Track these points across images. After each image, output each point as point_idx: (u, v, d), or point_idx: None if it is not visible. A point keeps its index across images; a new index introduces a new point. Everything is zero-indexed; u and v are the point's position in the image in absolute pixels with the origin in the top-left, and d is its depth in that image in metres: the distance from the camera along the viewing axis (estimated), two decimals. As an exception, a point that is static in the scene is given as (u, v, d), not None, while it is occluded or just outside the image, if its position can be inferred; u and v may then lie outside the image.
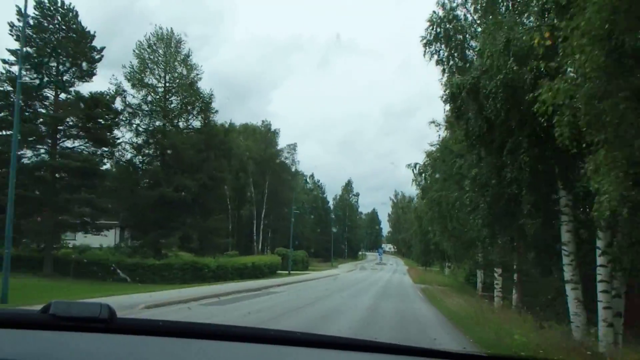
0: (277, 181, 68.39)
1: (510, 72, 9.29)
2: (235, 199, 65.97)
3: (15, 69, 27.20)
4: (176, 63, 36.69)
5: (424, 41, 16.31)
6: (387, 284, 36.86)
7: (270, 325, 10.61)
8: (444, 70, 16.31)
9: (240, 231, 67.74)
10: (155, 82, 36.18)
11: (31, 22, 27.91)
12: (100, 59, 31.06)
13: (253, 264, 38.31)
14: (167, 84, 36.50)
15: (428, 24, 16.16)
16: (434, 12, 16.30)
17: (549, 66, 7.95)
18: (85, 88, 32.31)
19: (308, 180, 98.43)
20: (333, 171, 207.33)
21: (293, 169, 71.89)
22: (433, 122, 23.58)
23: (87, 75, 30.54)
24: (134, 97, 35.68)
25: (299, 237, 77.31)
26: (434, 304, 20.74)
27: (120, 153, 34.81)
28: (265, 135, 70.90)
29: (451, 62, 16.19)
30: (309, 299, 20.01)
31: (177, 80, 36.68)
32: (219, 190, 36.79)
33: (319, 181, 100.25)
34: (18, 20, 27.49)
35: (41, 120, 29.42)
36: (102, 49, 30.92)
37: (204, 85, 54.59)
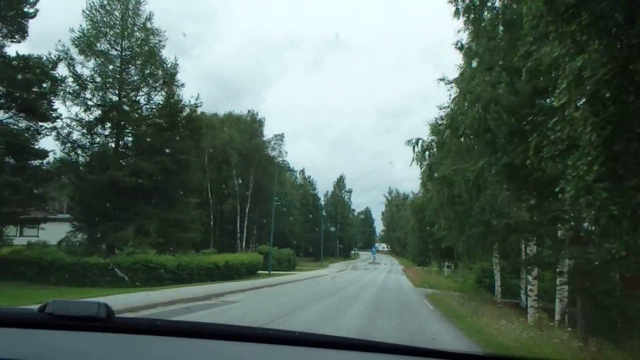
0: (263, 174, 63.10)
1: None
2: (217, 193, 60.73)
3: None
4: (135, 27, 31.22)
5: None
6: (382, 288, 31.39)
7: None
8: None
9: (223, 227, 62.53)
10: (109, 48, 30.68)
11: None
12: (34, 15, 25.53)
13: (227, 263, 32.79)
14: (124, 53, 31.02)
15: None
16: None
17: None
18: (20, 51, 26.55)
19: (298, 176, 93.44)
20: (326, 171, 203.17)
21: (280, 160, 66.45)
22: (442, 79, 18.39)
23: (17, 32, 24.97)
24: (83, 66, 30.15)
25: (287, 234, 72.30)
26: (461, 327, 13.43)
27: (66, 131, 29.23)
28: (250, 125, 65.51)
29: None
30: (268, 315, 13.70)
31: (136, 49, 31.19)
32: (185, 176, 31.17)
33: (309, 177, 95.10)
34: None
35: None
36: (36, 1, 25.41)
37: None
